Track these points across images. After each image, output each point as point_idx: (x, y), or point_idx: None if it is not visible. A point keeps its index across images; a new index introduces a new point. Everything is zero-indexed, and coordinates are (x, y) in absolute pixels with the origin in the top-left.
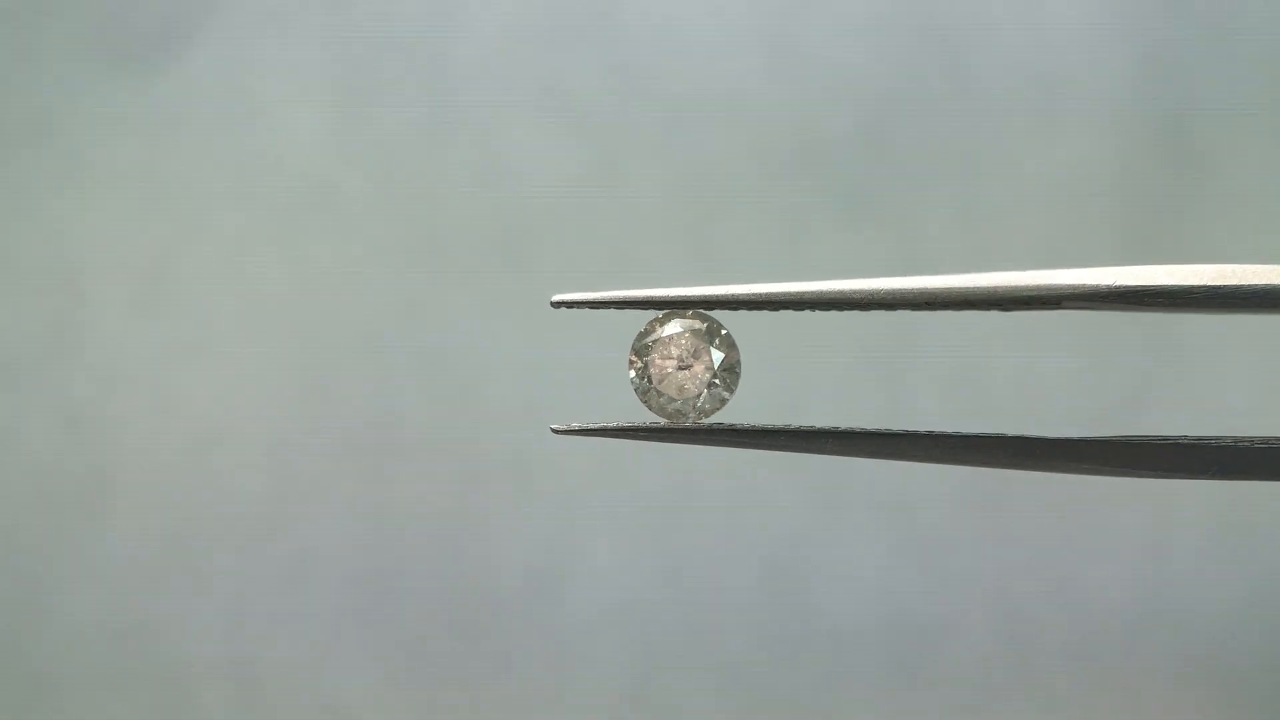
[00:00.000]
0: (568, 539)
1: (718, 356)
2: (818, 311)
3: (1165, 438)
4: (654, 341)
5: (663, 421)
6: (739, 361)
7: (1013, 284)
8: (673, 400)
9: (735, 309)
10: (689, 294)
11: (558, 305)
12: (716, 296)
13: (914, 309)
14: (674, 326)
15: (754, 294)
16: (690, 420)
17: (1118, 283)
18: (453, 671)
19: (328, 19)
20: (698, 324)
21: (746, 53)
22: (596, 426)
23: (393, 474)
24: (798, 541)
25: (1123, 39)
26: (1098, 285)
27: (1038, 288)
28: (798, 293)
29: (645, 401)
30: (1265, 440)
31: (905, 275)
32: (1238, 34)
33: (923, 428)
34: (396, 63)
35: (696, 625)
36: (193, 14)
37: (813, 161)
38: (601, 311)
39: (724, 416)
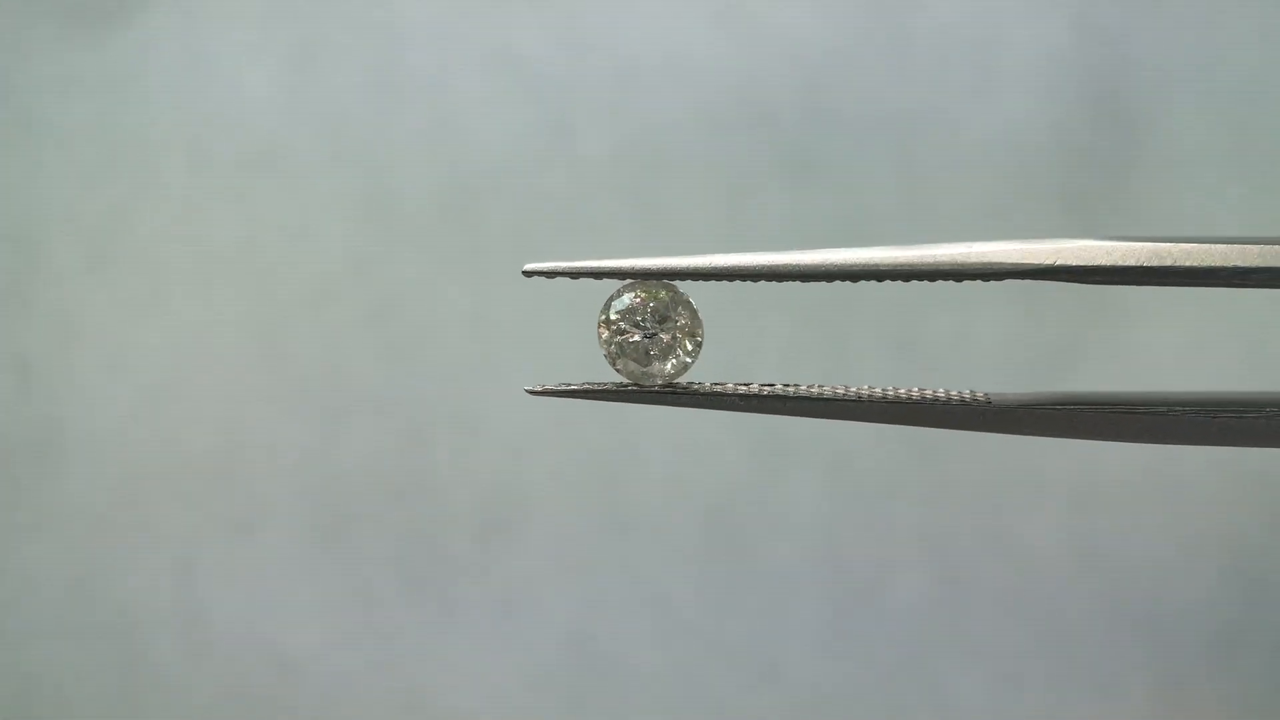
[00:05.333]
0: (514, 492)
1: (682, 322)
2: (769, 282)
3: (1098, 401)
4: (622, 309)
5: (630, 384)
6: (702, 327)
7: (955, 259)
8: (639, 365)
9: (696, 279)
10: (656, 264)
11: (530, 274)
12: (681, 268)
13: (861, 278)
14: (640, 293)
15: (714, 266)
16: (657, 383)
17: (1059, 262)
18: (400, 621)
19: None
20: (664, 292)
21: (691, 15)
22: (568, 388)
23: (342, 428)
24: (739, 492)
25: (1057, 3)
26: (1040, 263)
27: (981, 264)
28: (756, 265)
29: (615, 365)
30: (1194, 405)
31: (848, 235)
32: None
33: (865, 388)
34: (347, 22)
35: (640, 574)
36: None
37: (757, 122)
38: (576, 279)
39: (684, 380)
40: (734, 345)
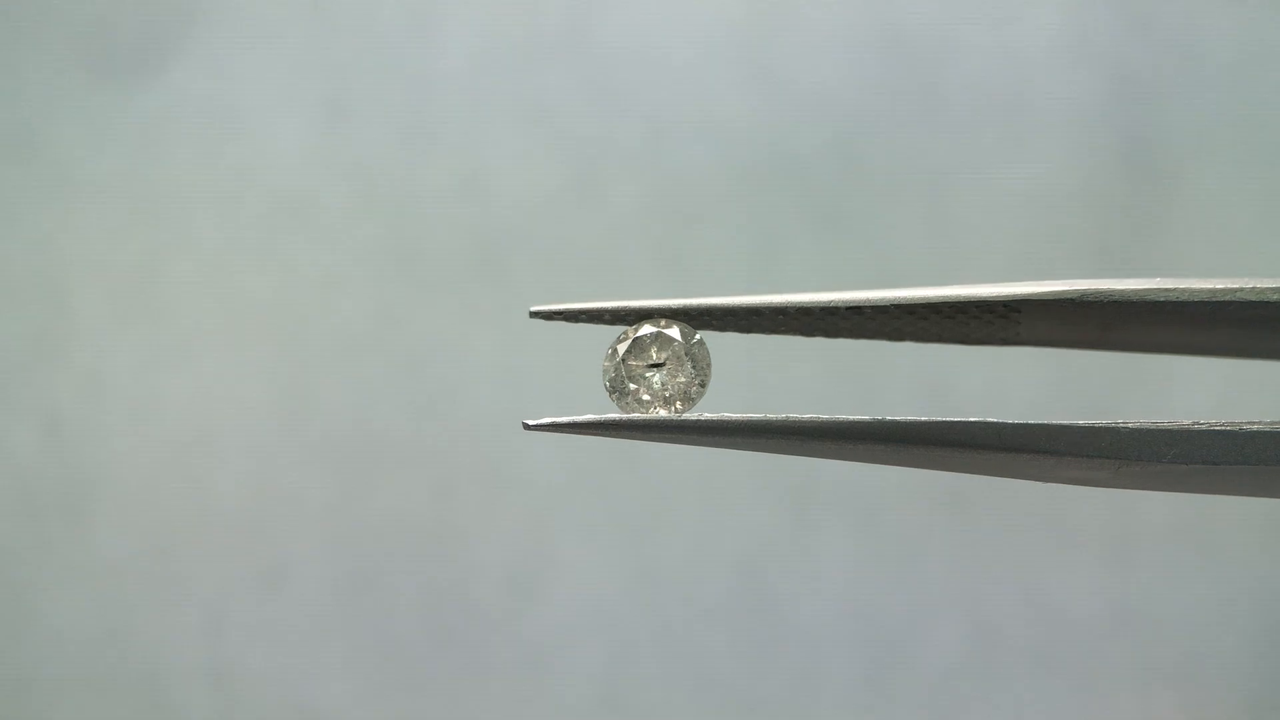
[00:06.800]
0: (543, 544)
1: (690, 357)
2: (784, 335)
3: (1125, 423)
4: (628, 344)
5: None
6: (709, 364)
7: (971, 294)
8: (644, 400)
9: (707, 321)
10: (664, 304)
11: (535, 315)
12: (691, 306)
13: (887, 334)
14: (647, 330)
15: (725, 304)
16: (659, 413)
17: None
18: (429, 675)
19: (309, 31)
20: (672, 328)
21: (722, 70)
22: (568, 421)
23: (370, 480)
24: (769, 547)
25: (1089, 58)
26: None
27: (997, 295)
28: (761, 304)
29: (619, 404)
30: (1224, 424)
31: (875, 287)
32: (1201, 54)
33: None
34: (376, 75)
35: (669, 629)
36: (175, 26)
37: (786, 176)
38: (578, 323)
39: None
40: (760, 396)
